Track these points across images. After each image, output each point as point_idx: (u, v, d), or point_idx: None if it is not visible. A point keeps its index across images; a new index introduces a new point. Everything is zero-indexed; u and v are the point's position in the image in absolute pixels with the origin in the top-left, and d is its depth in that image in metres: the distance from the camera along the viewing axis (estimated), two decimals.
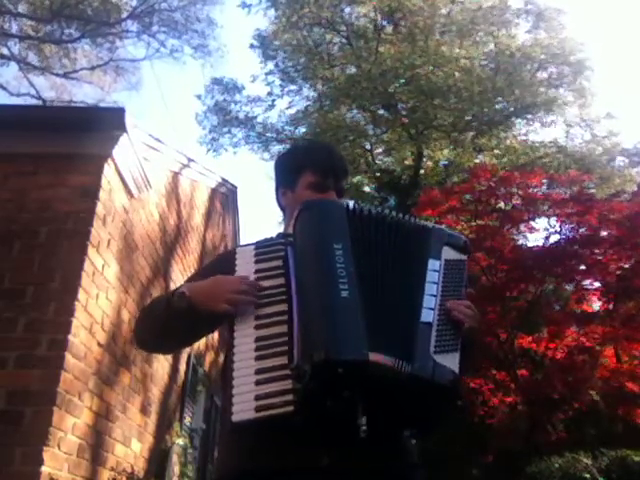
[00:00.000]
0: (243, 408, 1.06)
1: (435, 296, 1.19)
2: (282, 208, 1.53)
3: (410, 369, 1.06)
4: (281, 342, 1.12)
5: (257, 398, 1.06)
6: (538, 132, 17.88)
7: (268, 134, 17.93)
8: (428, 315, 1.16)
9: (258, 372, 1.09)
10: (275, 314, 1.17)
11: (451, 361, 1.11)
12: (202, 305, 1.21)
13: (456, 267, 1.28)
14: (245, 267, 1.26)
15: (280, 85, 17.81)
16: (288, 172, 1.50)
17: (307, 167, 1.45)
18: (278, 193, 1.53)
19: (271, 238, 1.36)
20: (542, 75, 16.85)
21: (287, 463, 1.11)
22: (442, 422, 1.21)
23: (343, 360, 1.03)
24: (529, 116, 16.65)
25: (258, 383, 1.08)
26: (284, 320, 1.15)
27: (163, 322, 1.29)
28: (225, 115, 17.86)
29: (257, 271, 1.24)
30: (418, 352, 1.09)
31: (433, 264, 1.24)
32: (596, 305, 10.46)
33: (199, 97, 18.62)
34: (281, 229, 1.49)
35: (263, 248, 1.29)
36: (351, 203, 1.31)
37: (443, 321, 1.16)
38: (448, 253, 1.29)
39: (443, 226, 1.39)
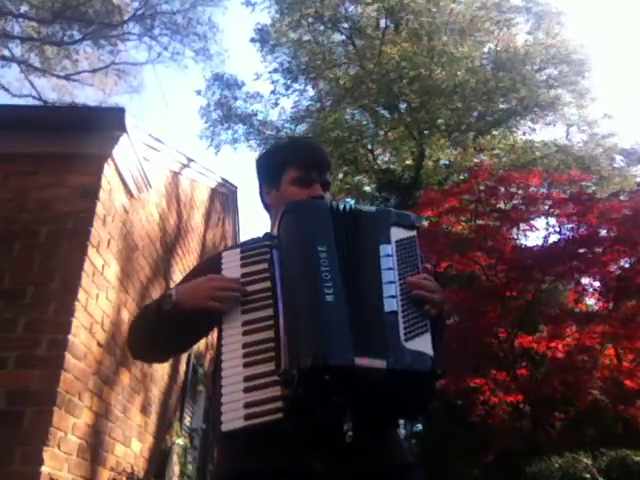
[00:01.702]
0: (232, 417, 1.05)
1: (394, 282, 1.17)
2: (267, 208, 1.52)
3: (386, 364, 1.04)
4: (268, 348, 1.11)
5: (246, 406, 1.06)
6: (538, 132, 17.91)
7: (268, 132, 17.95)
8: (391, 304, 1.13)
9: (246, 379, 1.08)
10: (262, 319, 1.16)
11: (424, 344, 1.10)
12: (189, 303, 1.21)
13: (407, 245, 1.25)
14: (231, 271, 1.25)
15: (284, 84, 17.86)
16: (271, 170, 1.49)
17: (290, 163, 1.44)
18: (262, 193, 1.52)
19: (258, 238, 1.36)
20: (542, 75, 16.86)
21: (281, 467, 1.11)
22: (428, 406, 1.19)
23: (331, 365, 1.02)
24: (530, 116, 16.66)
25: (246, 390, 1.07)
26: (271, 325, 1.14)
27: (155, 327, 1.28)
28: (226, 111, 17.91)
29: (243, 275, 1.23)
30: (391, 345, 1.08)
31: (385, 249, 1.21)
32: (592, 303, 10.48)
33: (199, 92, 18.69)
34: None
35: (248, 251, 1.28)
36: (334, 202, 1.30)
37: (407, 306, 1.14)
38: (398, 233, 1.26)
39: (388, 208, 1.37)
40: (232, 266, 1.26)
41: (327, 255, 1.15)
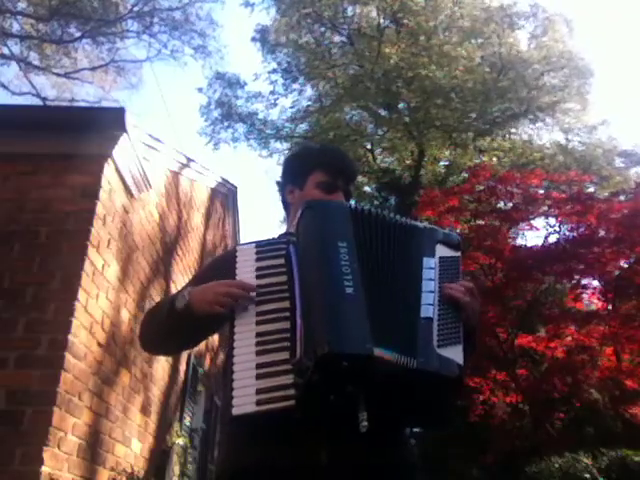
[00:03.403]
0: (244, 402, 1.05)
1: (433, 292, 1.20)
2: (286, 206, 1.54)
3: (416, 364, 1.06)
4: (283, 338, 1.12)
5: (258, 392, 1.06)
6: (538, 134, 17.92)
7: (268, 131, 17.98)
8: (428, 310, 1.16)
9: (259, 366, 1.09)
10: (276, 311, 1.17)
11: (455, 353, 1.11)
12: (197, 306, 1.23)
13: (451, 264, 1.29)
14: (246, 265, 1.25)
15: (283, 84, 17.87)
16: (298, 170, 1.51)
17: (318, 166, 1.46)
18: (284, 191, 1.54)
19: (272, 238, 1.37)
20: (544, 78, 16.86)
21: (285, 460, 1.11)
22: (449, 413, 1.21)
23: (346, 354, 1.02)
24: (530, 117, 16.66)
25: (259, 377, 1.07)
26: (286, 317, 1.15)
27: (167, 323, 1.31)
28: (226, 110, 17.94)
29: (258, 269, 1.24)
30: (422, 347, 1.09)
31: (428, 262, 1.25)
32: (588, 302, 10.47)
33: (200, 90, 18.69)
34: (282, 229, 1.49)
35: (264, 246, 1.30)
36: (354, 204, 1.32)
37: (443, 315, 1.17)
38: (442, 251, 1.30)
39: (435, 226, 1.41)
40: (247, 259, 1.26)
41: (347, 251, 1.16)
